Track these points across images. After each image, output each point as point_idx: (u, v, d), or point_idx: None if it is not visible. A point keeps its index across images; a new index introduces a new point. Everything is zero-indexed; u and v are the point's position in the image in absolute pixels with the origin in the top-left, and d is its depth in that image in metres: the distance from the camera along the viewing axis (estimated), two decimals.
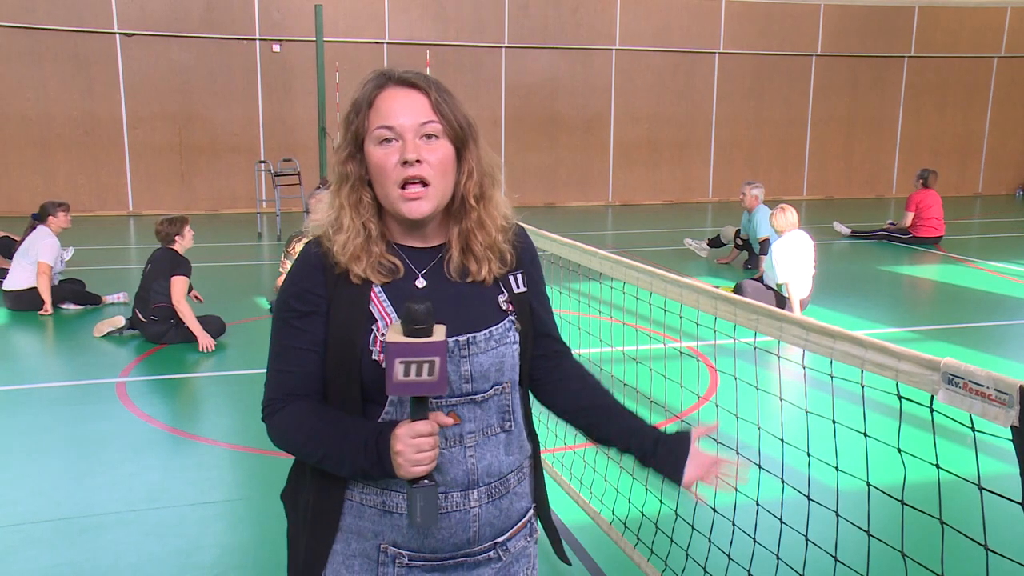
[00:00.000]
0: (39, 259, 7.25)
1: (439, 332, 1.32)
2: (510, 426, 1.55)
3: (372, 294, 1.46)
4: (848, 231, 11.76)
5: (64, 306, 7.43)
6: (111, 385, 5.45)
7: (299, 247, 7.20)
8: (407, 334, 1.30)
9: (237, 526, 3.64)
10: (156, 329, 6.25)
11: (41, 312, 7.20)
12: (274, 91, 14.13)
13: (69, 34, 13.08)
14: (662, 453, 1.62)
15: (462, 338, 1.46)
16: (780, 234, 7.15)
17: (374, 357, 1.42)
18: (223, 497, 3.88)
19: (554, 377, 1.69)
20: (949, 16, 16.94)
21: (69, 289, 7.53)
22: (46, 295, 7.22)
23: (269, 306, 7.28)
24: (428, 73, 1.51)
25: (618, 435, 1.66)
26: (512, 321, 1.54)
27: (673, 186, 16.28)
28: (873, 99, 17.14)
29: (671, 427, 1.75)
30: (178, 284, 6.25)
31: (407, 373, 1.29)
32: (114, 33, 13.29)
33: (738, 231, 9.60)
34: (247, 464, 4.33)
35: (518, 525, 1.59)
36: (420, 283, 1.49)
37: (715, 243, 10.00)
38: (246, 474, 4.24)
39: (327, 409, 1.47)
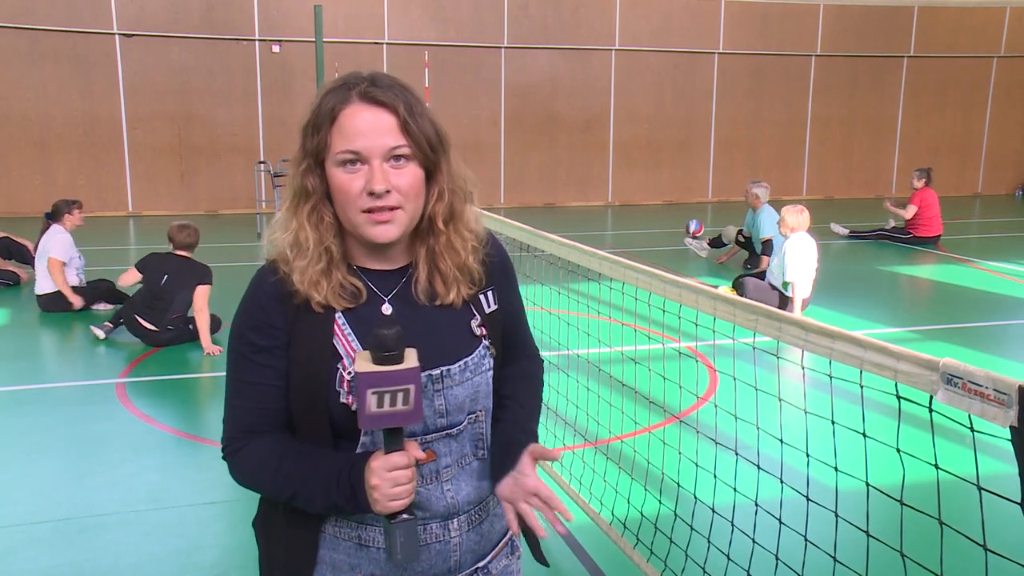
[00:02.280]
0: (49, 255, 7.17)
1: (411, 357, 1.24)
2: (483, 454, 1.49)
3: (335, 326, 1.36)
4: (846, 232, 11.77)
5: (96, 306, 7.37)
6: (111, 386, 5.45)
7: None
8: (376, 361, 1.21)
9: (237, 526, 3.64)
10: (168, 336, 6.24)
11: (73, 310, 7.22)
12: (274, 91, 14.14)
13: (69, 35, 13.08)
14: (498, 455, 1.47)
15: (435, 372, 1.38)
16: (790, 232, 7.15)
17: (342, 400, 1.34)
18: (223, 497, 3.88)
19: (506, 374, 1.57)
20: (948, 16, 16.94)
21: (105, 288, 7.42)
22: (66, 290, 7.14)
23: None
24: (400, 79, 1.39)
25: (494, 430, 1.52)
26: (487, 347, 1.46)
27: (673, 186, 16.28)
28: (872, 99, 17.15)
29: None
30: (205, 293, 6.19)
31: (380, 404, 1.21)
32: (113, 34, 13.30)
33: (740, 230, 9.60)
34: None
35: (499, 545, 1.54)
36: (387, 309, 1.40)
37: (716, 243, 10.00)
38: None
39: (294, 443, 1.39)
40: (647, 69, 15.75)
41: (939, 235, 11.01)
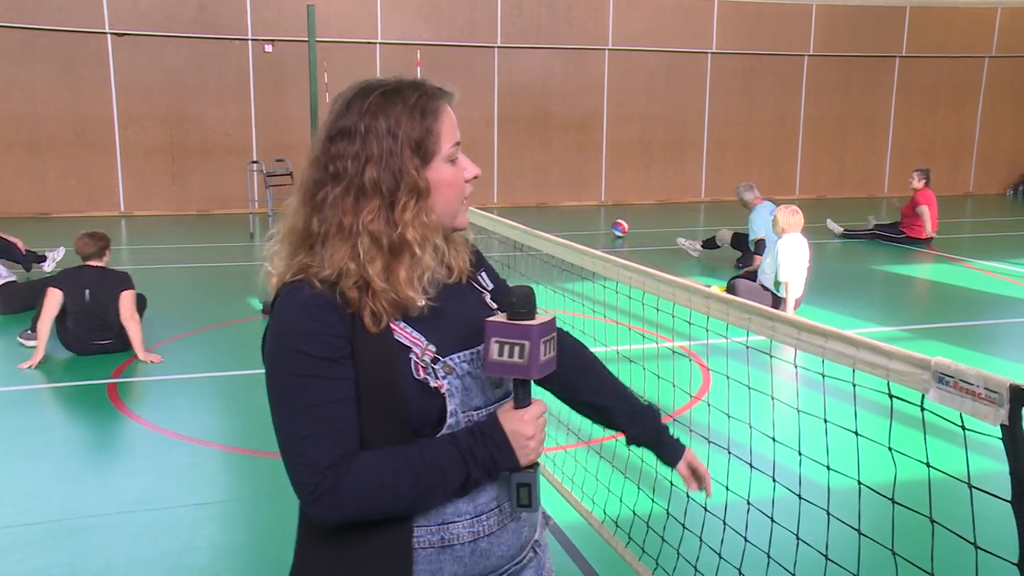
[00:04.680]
0: None
1: (541, 318, 1.36)
2: None
3: (391, 324, 1.36)
4: (840, 230, 11.77)
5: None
6: (102, 386, 5.43)
7: None
8: (510, 317, 1.35)
9: (230, 527, 3.64)
10: (117, 346, 6.02)
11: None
12: (266, 91, 14.11)
13: (59, 34, 13.03)
14: (663, 445, 1.79)
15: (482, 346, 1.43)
16: (782, 232, 7.17)
17: (432, 384, 1.35)
18: (216, 498, 3.87)
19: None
20: (940, 16, 17.00)
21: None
22: None
23: (262, 306, 7.27)
24: (419, 74, 1.52)
25: (610, 410, 1.78)
26: None
27: (665, 186, 16.30)
28: (865, 99, 17.19)
29: (670, 428, 1.76)
30: (131, 299, 5.89)
31: (501, 353, 1.33)
32: (105, 33, 13.25)
33: (735, 233, 9.64)
34: (240, 465, 4.32)
35: (541, 517, 1.61)
36: (420, 302, 1.41)
37: (709, 244, 10.02)
38: (239, 475, 4.23)
39: (392, 449, 1.33)
40: (640, 69, 15.76)
41: (932, 236, 11.02)
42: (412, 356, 1.35)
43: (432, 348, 1.37)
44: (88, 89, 13.36)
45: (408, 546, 1.36)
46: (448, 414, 1.37)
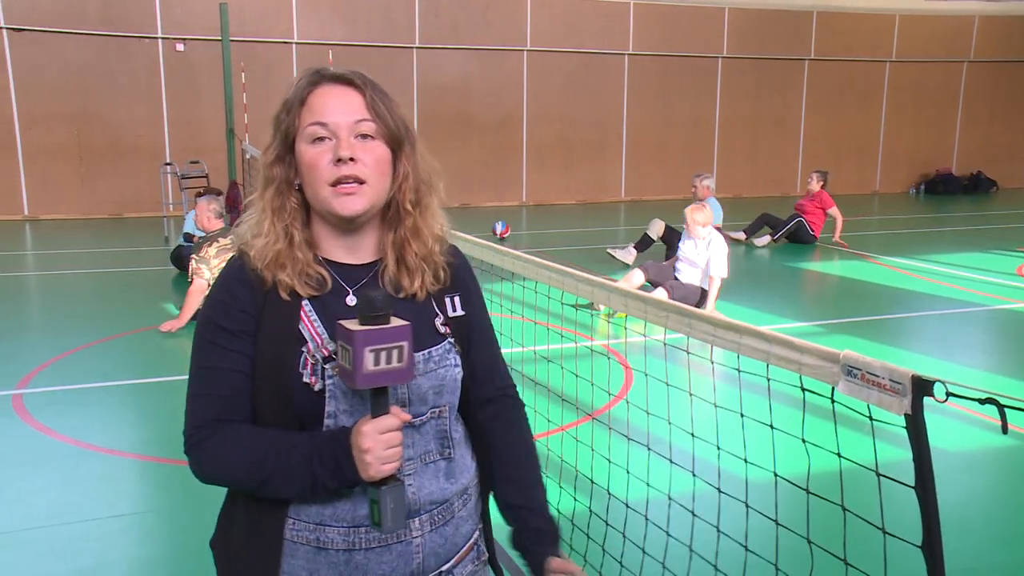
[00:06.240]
0: None
1: (393, 324, 1.28)
2: (449, 453, 1.48)
3: (302, 312, 1.38)
4: (766, 240, 11.33)
5: None
6: (7, 398, 5.20)
7: (211, 251, 6.99)
8: (367, 323, 1.26)
9: (146, 540, 3.53)
10: None
11: None
12: (179, 91, 13.71)
13: None
14: (533, 548, 1.62)
15: None
16: (704, 227, 7.22)
17: (305, 380, 1.35)
18: (130, 510, 3.75)
19: (494, 427, 1.61)
20: (844, 21, 17.63)
21: None
22: None
23: (178, 313, 7.06)
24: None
25: (510, 505, 1.64)
26: (452, 344, 1.48)
27: (586, 186, 16.47)
28: (776, 100, 17.70)
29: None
30: None
31: (377, 362, 1.25)
32: (0, 28, 12.67)
33: (668, 225, 9.64)
34: (156, 475, 4.20)
35: (464, 549, 1.54)
36: (351, 300, 1.41)
37: (643, 244, 9.66)
38: (155, 485, 4.10)
39: (262, 429, 1.37)
40: (558, 70, 15.89)
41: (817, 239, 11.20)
42: (304, 349, 1.36)
43: (331, 347, 1.36)
44: None
45: (279, 535, 1.39)
46: (326, 414, 1.36)
